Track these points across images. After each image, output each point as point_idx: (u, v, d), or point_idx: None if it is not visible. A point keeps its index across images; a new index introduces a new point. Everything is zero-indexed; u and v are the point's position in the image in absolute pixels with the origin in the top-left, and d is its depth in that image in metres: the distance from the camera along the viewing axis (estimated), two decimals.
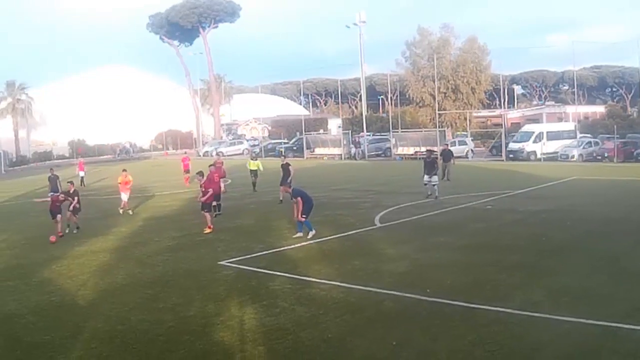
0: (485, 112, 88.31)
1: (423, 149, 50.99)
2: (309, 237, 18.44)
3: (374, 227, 21.11)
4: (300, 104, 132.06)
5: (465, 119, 73.13)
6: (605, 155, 48.12)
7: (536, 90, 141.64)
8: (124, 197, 26.58)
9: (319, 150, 65.54)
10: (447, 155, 35.77)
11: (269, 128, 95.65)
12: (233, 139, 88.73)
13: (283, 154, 48.82)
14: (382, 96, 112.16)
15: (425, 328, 10.66)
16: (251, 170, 32.14)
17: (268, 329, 10.84)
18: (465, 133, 66.37)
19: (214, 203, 23.11)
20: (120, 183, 26.93)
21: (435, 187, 27.00)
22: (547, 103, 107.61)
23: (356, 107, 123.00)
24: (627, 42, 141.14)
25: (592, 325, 10.43)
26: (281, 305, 12.19)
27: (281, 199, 26.38)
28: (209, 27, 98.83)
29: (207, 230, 20.70)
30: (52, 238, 19.53)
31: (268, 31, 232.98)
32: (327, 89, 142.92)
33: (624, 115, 73.21)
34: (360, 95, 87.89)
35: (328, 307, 12.03)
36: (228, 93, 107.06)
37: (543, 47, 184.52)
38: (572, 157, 49.47)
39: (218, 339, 10.55)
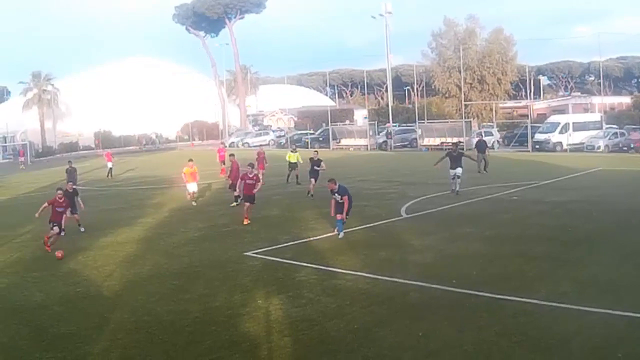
0: (511, 103, 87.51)
1: (449, 140, 50.77)
2: (340, 237, 17.72)
3: (400, 217, 21.10)
4: (326, 95, 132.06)
5: (492, 109, 72.50)
6: (632, 146, 47.37)
7: (562, 81, 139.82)
8: (192, 187, 26.11)
9: (344, 141, 65.36)
10: (481, 146, 35.05)
11: (295, 119, 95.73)
12: (259, 129, 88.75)
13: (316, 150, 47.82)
14: (408, 87, 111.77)
15: (451, 319, 10.65)
16: (290, 163, 31.67)
17: (294, 320, 10.90)
18: (491, 124, 65.99)
19: (235, 193, 23.06)
20: (185, 173, 26.12)
21: (459, 180, 25.68)
22: (573, 94, 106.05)
23: (382, 98, 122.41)
24: None
25: (618, 316, 10.38)
26: (307, 296, 12.26)
27: (312, 193, 26.27)
28: (234, 17, 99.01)
29: (246, 222, 20.50)
30: (59, 254, 16.71)
31: (294, 22, 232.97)
32: (353, 79, 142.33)
33: None
34: (386, 86, 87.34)
35: (354, 298, 12.07)
36: (254, 84, 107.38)
37: (569, 38, 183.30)
38: (598, 148, 48.81)
39: (244, 330, 10.63)
